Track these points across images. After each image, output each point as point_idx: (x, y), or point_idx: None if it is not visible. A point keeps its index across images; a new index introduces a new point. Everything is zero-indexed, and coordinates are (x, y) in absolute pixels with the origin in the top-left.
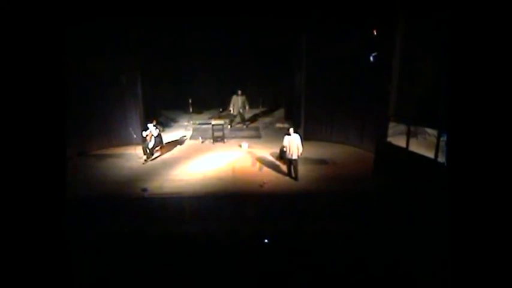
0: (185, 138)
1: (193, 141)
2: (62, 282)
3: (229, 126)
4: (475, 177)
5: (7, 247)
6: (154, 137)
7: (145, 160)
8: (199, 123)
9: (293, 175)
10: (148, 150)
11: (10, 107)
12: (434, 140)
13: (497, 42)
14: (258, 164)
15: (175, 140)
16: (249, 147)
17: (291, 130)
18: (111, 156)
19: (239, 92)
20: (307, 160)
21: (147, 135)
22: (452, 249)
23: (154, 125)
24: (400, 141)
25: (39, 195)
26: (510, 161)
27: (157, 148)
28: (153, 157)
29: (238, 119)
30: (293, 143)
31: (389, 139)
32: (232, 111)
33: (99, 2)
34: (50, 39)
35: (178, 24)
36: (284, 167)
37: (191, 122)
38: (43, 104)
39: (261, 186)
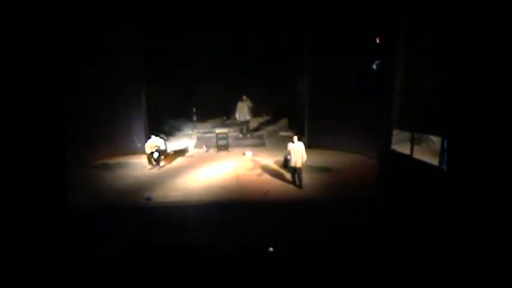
0: (189, 148)
1: (197, 150)
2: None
3: (240, 135)
4: (475, 182)
5: (5, 253)
6: (159, 149)
7: (153, 166)
8: (203, 132)
9: (297, 183)
10: (154, 160)
11: (8, 110)
12: (439, 147)
13: (497, 50)
14: (259, 171)
15: (180, 149)
16: (253, 155)
17: (295, 138)
18: (115, 165)
19: (244, 98)
20: (311, 168)
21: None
22: (452, 252)
23: (160, 137)
24: (404, 149)
25: (38, 204)
26: (510, 165)
27: (162, 157)
28: (160, 166)
29: (245, 129)
30: (297, 151)
31: (393, 146)
32: (238, 118)
33: (103, 9)
34: (49, 42)
35: (182, 33)
36: (288, 175)
37: (195, 130)
38: (41, 109)
39: (265, 194)
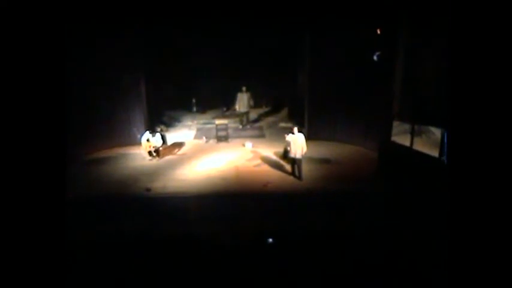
0: (189, 139)
1: (197, 141)
2: (60, 282)
3: (240, 126)
4: (475, 175)
5: (5, 248)
6: (157, 146)
7: (152, 157)
8: (203, 123)
9: (297, 174)
10: (153, 153)
11: (8, 107)
12: (439, 138)
13: (498, 42)
14: (258, 162)
15: (179, 140)
16: (253, 146)
17: (295, 129)
18: (115, 156)
19: (244, 89)
20: (311, 159)
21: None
22: (451, 247)
23: (159, 130)
24: (404, 140)
25: (38, 196)
26: (510, 159)
27: (161, 148)
28: (159, 157)
29: (244, 120)
30: (297, 142)
31: (393, 138)
32: (238, 109)
33: (102, 2)
34: (49, 40)
35: (182, 24)
36: (288, 166)
37: (195, 121)
38: (42, 104)
39: (265, 185)
